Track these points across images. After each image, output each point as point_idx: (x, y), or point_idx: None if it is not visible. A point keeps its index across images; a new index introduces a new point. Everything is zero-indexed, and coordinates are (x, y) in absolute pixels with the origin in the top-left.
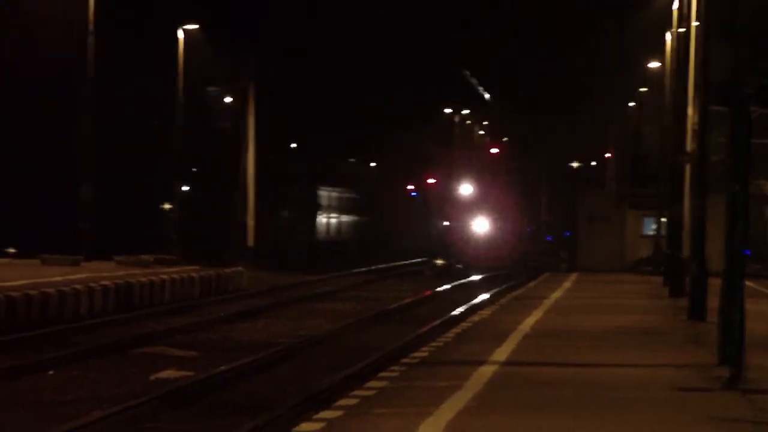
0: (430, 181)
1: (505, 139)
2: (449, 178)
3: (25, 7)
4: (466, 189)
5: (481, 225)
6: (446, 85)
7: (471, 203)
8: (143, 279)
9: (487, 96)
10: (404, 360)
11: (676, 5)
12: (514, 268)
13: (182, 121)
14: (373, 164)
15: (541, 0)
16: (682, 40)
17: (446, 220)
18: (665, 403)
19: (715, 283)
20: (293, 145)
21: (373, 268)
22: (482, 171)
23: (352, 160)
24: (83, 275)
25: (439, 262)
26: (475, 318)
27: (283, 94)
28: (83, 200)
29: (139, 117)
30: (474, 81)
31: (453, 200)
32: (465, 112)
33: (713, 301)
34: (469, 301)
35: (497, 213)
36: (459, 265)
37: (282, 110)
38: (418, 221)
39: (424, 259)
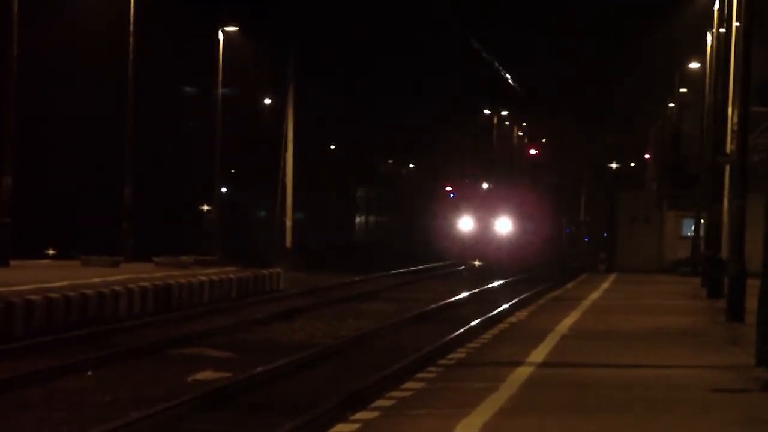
0: (466, 182)
1: (543, 139)
2: (475, 178)
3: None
4: (490, 188)
5: (504, 225)
6: (486, 85)
7: (495, 203)
8: (182, 280)
9: (519, 90)
10: (441, 361)
11: (717, 5)
12: (544, 269)
13: (221, 123)
14: (411, 165)
15: (581, 0)
16: (722, 41)
17: (471, 221)
18: (702, 405)
19: (754, 284)
20: (332, 147)
21: (411, 269)
22: (508, 170)
23: (390, 161)
24: (122, 276)
25: (477, 263)
26: (513, 319)
27: (322, 94)
28: (125, 202)
29: (177, 119)
30: (508, 77)
31: (478, 200)
32: (504, 113)
33: (752, 303)
34: (507, 302)
35: (522, 213)
36: (476, 263)
37: (321, 111)
38: (454, 222)
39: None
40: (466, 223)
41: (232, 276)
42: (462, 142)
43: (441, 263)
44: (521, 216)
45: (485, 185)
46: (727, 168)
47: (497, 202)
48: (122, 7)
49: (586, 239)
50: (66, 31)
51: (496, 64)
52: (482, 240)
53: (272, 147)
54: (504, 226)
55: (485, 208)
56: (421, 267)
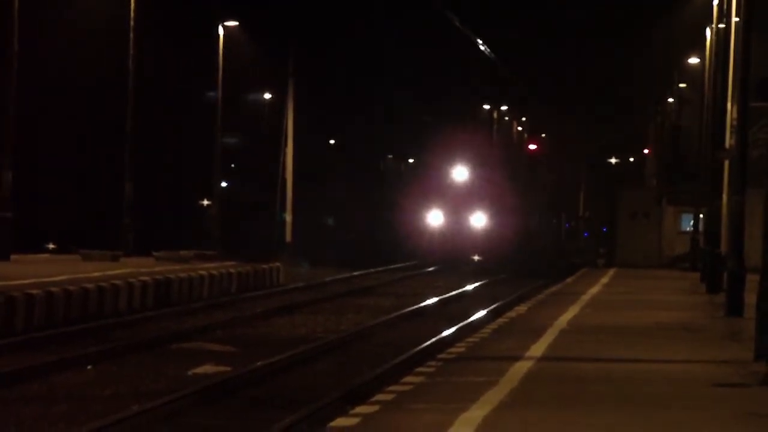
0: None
1: (543, 134)
2: (449, 170)
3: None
4: (459, 179)
5: (477, 220)
6: (485, 80)
7: (468, 196)
8: (182, 275)
9: (506, 71)
10: (441, 355)
11: (716, 0)
12: (531, 263)
13: (221, 117)
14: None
15: None
16: (722, 36)
17: (441, 214)
18: (702, 399)
19: (753, 279)
20: (331, 141)
21: (409, 263)
22: (486, 161)
23: (390, 156)
24: (122, 271)
25: (476, 258)
26: (512, 314)
27: (321, 90)
28: (126, 197)
29: (177, 114)
30: (505, 69)
31: (450, 193)
32: (504, 108)
33: (751, 297)
34: (506, 296)
35: (495, 207)
36: (475, 258)
37: (319, 106)
38: (424, 216)
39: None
40: (436, 217)
41: (232, 270)
42: (459, 136)
43: (440, 258)
44: (494, 210)
45: (460, 177)
46: (727, 163)
47: (470, 196)
48: (123, 5)
49: (585, 234)
50: (67, 30)
51: (478, 40)
52: (454, 235)
53: (273, 142)
54: (477, 220)
55: (458, 201)
56: (419, 262)
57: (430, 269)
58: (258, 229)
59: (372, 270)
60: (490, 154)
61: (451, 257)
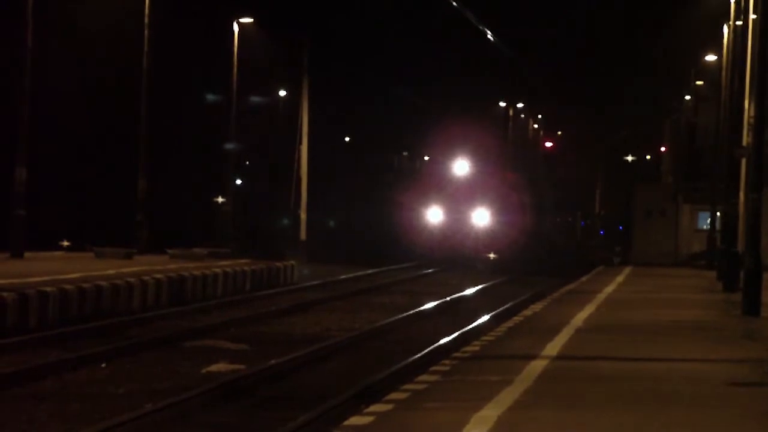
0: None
1: (559, 132)
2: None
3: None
4: (470, 177)
5: (480, 217)
6: (503, 78)
7: (467, 192)
8: (196, 272)
9: (532, 83)
10: (456, 354)
11: None
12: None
13: (235, 115)
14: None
15: None
16: (739, 33)
17: (440, 211)
18: (718, 398)
19: None
20: (347, 139)
21: (424, 262)
22: (489, 157)
23: (405, 153)
24: (136, 268)
25: (492, 256)
26: (527, 312)
27: (336, 86)
28: (139, 195)
29: (190, 111)
30: (524, 70)
31: (449, 188)
32: (520, 105)
33: None
34: (521, 295)
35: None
36: (491, 256)
37: (335, 103)
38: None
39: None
40: (447, 215)
41: (245, 268)
42: (474, 133)
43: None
44: (507, 207)
45: (471, 175)
46: (744, 161)
47: (469, 192)
48: (129, 4)
49: (601, 232)
50: (81, 30)
51: (489, 33)
52: (454, 232)
53: (288, 140)
54: (489, 218)
55: (471, 199)
56: (434, 260)
57: (444, 267)
58: (272, 227)
59: (385, 268)
60: (503, 152)
61: (466, 256)
